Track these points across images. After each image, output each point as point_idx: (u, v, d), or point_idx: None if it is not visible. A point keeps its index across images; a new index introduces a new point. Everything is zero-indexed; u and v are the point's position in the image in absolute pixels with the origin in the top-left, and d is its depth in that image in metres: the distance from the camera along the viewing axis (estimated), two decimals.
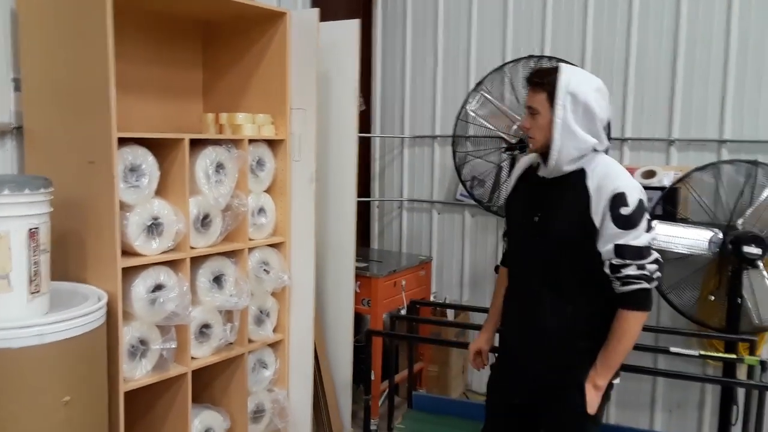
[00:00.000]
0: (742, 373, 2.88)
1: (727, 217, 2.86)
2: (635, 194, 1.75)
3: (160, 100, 2.92)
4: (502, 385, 2.05)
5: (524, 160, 2.03)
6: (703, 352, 2.70)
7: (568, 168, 1.79)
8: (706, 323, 2.94)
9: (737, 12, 3.03)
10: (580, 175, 1.79)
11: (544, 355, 1.87)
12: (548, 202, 1.83)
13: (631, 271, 1.73)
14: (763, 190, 2.82)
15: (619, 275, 1.75)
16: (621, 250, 1.73)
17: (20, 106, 2.43)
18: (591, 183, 1.77)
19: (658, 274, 1.77)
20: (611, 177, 1.77)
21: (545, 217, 1.83)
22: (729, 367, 2.84)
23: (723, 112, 3.10)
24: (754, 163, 2.85)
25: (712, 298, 2.92)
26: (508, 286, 2.04)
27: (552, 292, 1.83)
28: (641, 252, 1.74)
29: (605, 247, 1.75)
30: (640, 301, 1.76)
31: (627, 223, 1.73)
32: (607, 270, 1.77)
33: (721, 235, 2.83)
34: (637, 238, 1.74)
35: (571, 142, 1.75)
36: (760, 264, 2.77)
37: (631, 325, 1.77)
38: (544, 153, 1.83)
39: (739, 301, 2.80)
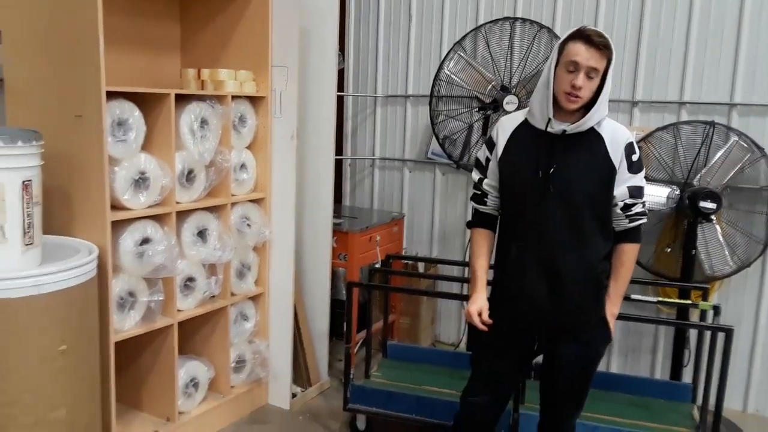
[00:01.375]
0: (693, 320, 3.11)
1: (684, 175, 3.05)
2: (636, 144, 2.00)
3: (135, 53, 2.89)
4: (513, 333, 2.12)
5: (511, 119, 2.10)
6: (661, 299, 2.91)
7: (589, 126, 1.94)
8: (663, 273, 3.15)
9: None
10: (591, 129, 1.95)
11: (570, 297, 2.01)
12: (565, 155, 1.95)
13: (639, 208, 2.00)
14: (718, 150, 3.01)
15: (629, 213, 2.00)
16: (633, 191, 1.98)
17: (1, 58, 2.39)
18: (605, 134, 1.96)
19: (648, 211, 2.07)
20: (620, 130, 1.99)
21: (565, 169, 1.95)
22: (682, 313, 3.07)
23: (684, 75, 3.26)
24: (711, 124, 3.04)
25: (669, 250, 3.13)
26: (513, 239, 2.07)
27: (572, 238, 1.97)
28: (643, 191, 2.01)
29: (619, 189, 1.97)
30: (640, 234, 2.05)
31: (636, 167, 1.99)
32: (619, 210, 1.99)
33: (678, 192, 3.02)
34: (641, 180, 2.00)
35: (605, 106, 1.94)
36: (714, 218, 2.98)
37: (635, 255, 2.06)
38: (558, 110, 1.95)
39: (693, 252, 3.01)
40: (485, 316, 2.09)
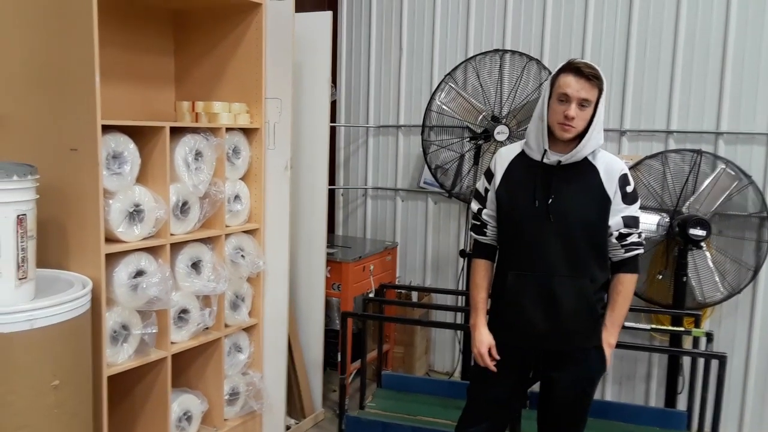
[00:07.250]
0: (686, 347, 3.12)
1: (673, 202, 3.10)
2: (630, 175, 2.04)
3: (130, 86, 2.92)
4: (510, 359, 2.12)
5: (509, 150, 2.14)
6: (654, 326, 2.92)
7: (583, 156, 1.99)
8: (655, 301, 3.17)
9: (685, 12, 3.26)
10: (585, 160, 2.00)
11: (566, 326, 2.03)
12: (562, 185, 1.99)
13: (634, 238, 2.03)
14: (706, 178, 3.06)
15: (624, 243, 2.03)
16: (628, 221, 2.02)
17: None
18: (600, 165, 2.01)
19: (644, 241, 2.10)
20: (614, 161, 2.04)
21: (562, 199, 1.99)
22: (675, 340, 3.08)
23: (671, 104, 3.33)
24: (698, 152, 3.09)
25: (660, 277, 3.16)
26: (510, 267, 2.08)
27: (569, 266, 1.99)
28: (638, 222, 2.04)
29: (614, 219, 2.01)
30: (637, 264, 2.08)
31: (631, 198, 2.03)
32: (614, 240, 2.02)
33: (668, 219, 3.06)
34: (636, 210, 2.04)
35: (598, 135, 1.98)
36: (704, 245, 3.02)
37: (632, 285, 2.08)
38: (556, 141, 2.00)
39: (685, 279, 3.04)
40: (494, 352, 2.10)
